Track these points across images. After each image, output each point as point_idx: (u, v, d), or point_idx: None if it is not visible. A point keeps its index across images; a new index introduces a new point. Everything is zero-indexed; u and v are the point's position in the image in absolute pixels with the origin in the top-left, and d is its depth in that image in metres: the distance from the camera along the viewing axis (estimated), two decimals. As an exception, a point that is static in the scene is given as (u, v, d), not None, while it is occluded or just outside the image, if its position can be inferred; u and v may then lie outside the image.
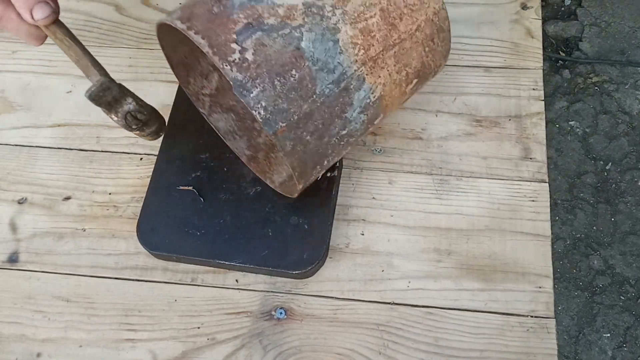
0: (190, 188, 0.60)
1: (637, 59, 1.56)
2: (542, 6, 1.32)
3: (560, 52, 1.59)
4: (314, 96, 0.47)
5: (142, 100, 0.54)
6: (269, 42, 0.47)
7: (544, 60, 0.72)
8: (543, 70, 0.69)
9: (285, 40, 0.47)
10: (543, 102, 0.67)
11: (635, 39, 1.59)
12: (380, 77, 0.50)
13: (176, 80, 0.68)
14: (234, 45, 0.46)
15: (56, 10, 0.50)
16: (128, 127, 0.53)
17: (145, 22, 0.74)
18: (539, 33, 0.71)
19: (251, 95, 0.45)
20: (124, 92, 0.52)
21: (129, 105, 0.52)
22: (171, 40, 0.58)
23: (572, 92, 1.53)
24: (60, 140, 0.67)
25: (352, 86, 0.49)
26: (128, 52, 0.72)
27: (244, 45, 0.46)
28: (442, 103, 0.67)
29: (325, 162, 0.53)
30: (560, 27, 1.62)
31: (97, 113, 0.69)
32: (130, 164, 0.65)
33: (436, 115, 0.67)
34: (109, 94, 0.51)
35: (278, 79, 0.46)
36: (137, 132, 0.55)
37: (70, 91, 0.70)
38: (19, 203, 0.64)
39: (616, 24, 1.61)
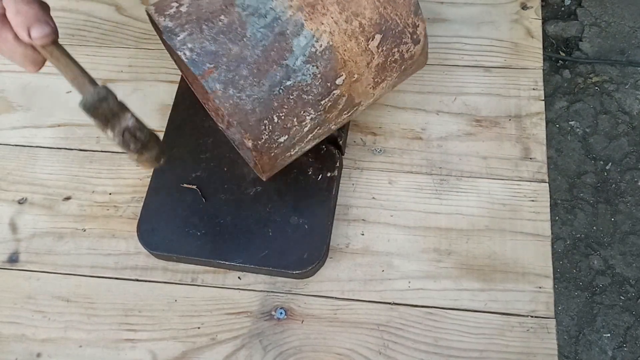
0: (194, 187, 0.60)
1: (637, 59, 1.56)
2: (542, 6, 1.32)
3: (560, 52, 1.59)
4: (244, 39, 0.47)
5: (142, 121, 0.49)
6: None
7: (544, 60, 0.72)
8: (543, 70, 0.69)
9: None
10: (543, 102, 0.67)
11: (635, 39, 1.59)
12: (323, 24, 0.49)
13: (176, 80, 0.69)
14: (173, 3, 0.49)
15: (55, 30, 0.47)
16: (125, 146, 0.47)
17: (145, 22, 0.74)
18: (539, 33, 0.71)
19: (178, 38, 0.47)
20: (123, 106, 0.47)
21: (127, 121, 0.47)
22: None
23: (572, 92, 1.53)
24: (60, 140, 0.67)
25: (288, 31, 0.48)
26: (128, 52, 0.72)
27: (181, 1, 0.49)
28: (442, 103, 0.67)
29: (275, 118, 0.49)
30: (560, 27, 1.62)
31: (97, 113, 0.69)
32: (130, 164, 0.65)
33: (436, 115, 0.67)
34: (106, 106, 0.46)
35: (206, 24, 0.47)
36: (135, 155, 0.49)
37: (70, 91, 0.70)
38: (19, 203, 0.64)
39: (616, 24, 1.61)
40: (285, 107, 0.49)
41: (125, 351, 0.57)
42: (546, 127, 0.88)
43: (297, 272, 0.57)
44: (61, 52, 0.48)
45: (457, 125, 0.66)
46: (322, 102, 0.51)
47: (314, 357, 0.56)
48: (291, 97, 0.49)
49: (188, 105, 0.65)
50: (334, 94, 0.51)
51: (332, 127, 0.56)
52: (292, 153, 0.54)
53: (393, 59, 0.54)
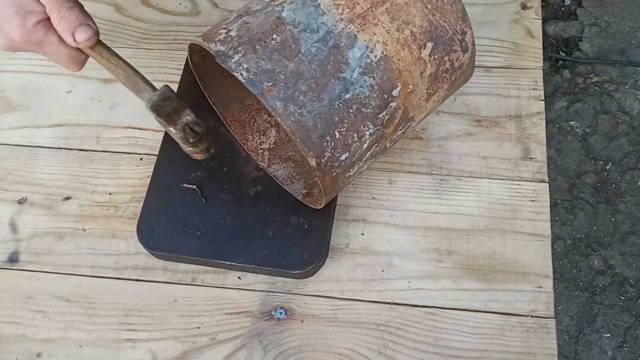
0: (194, 187, 0.60)
1: (637, 59, 1.56)
2: (542, 6, 1.32)
3: (560, 52, 1.59)
4: (300, 55, 0.47)
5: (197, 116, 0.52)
6: (252, 20, 0.48)
7: (544, 60, 0.72)
8: (543, 70, 0.69)
9: (266, 15, 0.48)
10: (543, 102, 0.67)
11: (635, 39, 1.59)
12: (375, 34, 0.49)
13: (176, 80, 0.69)
14: (221, 31, 0.49)
15: (97, 31, 0.50)
16: (185, 140, 0.50)
17: (145, 22, 0.74)
18: (539, 33, 0.71)
19: (233, 60, 0.46)
20: (182, 104, 0.50)
21: (187, 117, 0.49)
22: (222, 96, 0.61)
23: (572, 92, 1.53)
24: (60, 140, 0.67)
25: (342, 44, 0.48)
26: (128, 52, 0.72)
27: (230, 27, 0.48)
28: (442, 103, 0.67)
29: (337, 134, 0.48)
30: (560, 27, 1.62)
31: (97, 113, 0.69)
32: (130, 164, 0.65)
33: (436, 115, 0.67)
34: (169, 105, 0.49)
35: (259, 44, 0.47)
36: (192, 147, 0.51)
37: (70, 91, 0.70)
38: (19, 203, 0.64)
39: (616, 24, 1.61)
40: (346, 121, 0.49)
41: (125, 351, 0.57)
42: (546, 127, 0.88)
43: (297, 272, 0.57)
44: (110, 53, 0.51)
45: (457, 125, 0.66)
46: (380, 116, 0.50)
47: (314, 357, 0.56)
48: (351, 110, 0.49)
49: (188, 105, 0.65)
50: (391, 106, 0.51)
51: (388, 145, 0.55)
52: (352, 173, 0.53)
53: (444, 68, 0.53)
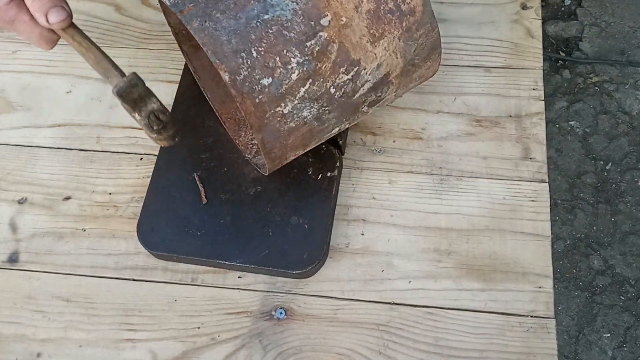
0: (201, 187, 0.60)
1: (637, 59, 1.56)
2: (542, 6, 1.32)
3: (560, 52, 1.59)
4: None
5: (163, 104, 0.51)
6: None
7: (544, 60, 0.72)
8: (543, 70, 0.69)
9: None
10: (543, 102, 0.67)
11: (635, 39, 1.59)
12: None
13: (176, 80, 0.69)
14: None
15: (70, 14, 0.50)
16: (149, 127, 0.50)
17: (145, 22, 0.74)
18: (539, 33, 0.71)
19: None
20: (149, 91, 0.50)
21: (153, 104, 0.49)
22: (219, 94, 0.61)
23: (572, 92, 1.53)
24: (60, 140, 0.67)
25: None
26: (128, 52, 0.72)
27: None
28: (442, 103, 0.67)
29: (254, 52, 0.47)
30: (560, 27, 1.62)
31: (97, 113, 0.69)
32: (130, 164, 0.65)
33: (436, 115, 0.67)
34: (136, 91, 0.49)
35: None
36: (156, 134, 0.51)
37: (70, 91, 0.70)
38: (19, 203, 0.64)
39: (616, 24, 1.61)
40: (265, 41, 0.48)
41: (125, 351, 0.57)
42: (546, 127, 0.88)
43: (297, 272, 0.57)
44: (82, 36, 0.51)
45: (457, 125, 0.66)
46: (308, 45, 0.49)
47: (314, 357, 0.56)
48: (270, 31, 0.48)
49: (188, 105, 0.65)
50: (320, 36, 0.49)
51: (332, 91, 0.51)
52: (286, 111, 0.50)
53: (387, 8, 0.51)
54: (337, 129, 0.56)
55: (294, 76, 0.49)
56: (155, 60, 0.72)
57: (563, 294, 1.31)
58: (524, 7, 0.73)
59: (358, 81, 0.52)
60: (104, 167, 0.66)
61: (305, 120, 0.52)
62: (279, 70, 0.48)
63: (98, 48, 0.51)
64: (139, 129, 0.68)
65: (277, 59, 0.48)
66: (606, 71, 1.55)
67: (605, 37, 1.59)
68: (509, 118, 0.66)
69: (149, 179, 0.62)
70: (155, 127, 0.50)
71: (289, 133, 0.51)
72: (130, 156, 0.66)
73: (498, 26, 0.72)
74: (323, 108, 0.52)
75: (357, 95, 0.53)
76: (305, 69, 0.49)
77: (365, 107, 0.56)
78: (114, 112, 0.69)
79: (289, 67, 0.48)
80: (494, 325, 0.56)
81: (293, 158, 0.56)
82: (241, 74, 0.47)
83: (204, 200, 0.60)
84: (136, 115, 0.49)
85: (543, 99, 0.67)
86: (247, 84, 0.47)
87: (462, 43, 0.71)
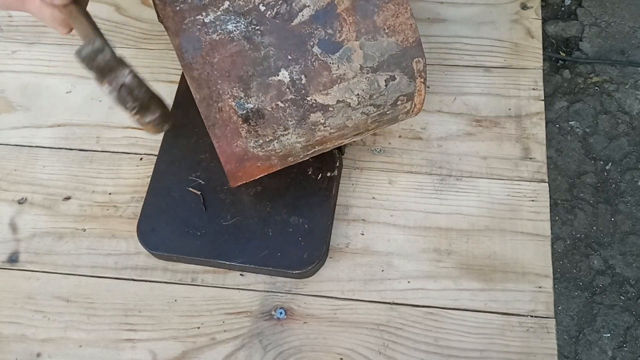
0: (199, 193, 0.60)
1: (637, 59, 1.56)
2: (542, 6, 1.32)
3: (560, 52, 1.59)
4: None
5: (144, 81, 0.48)
6: None
7: (544, 60, 0.72)
8: (543, 70, 0.69)
9: None
10: (543, 102, 0.67)
11: (635, 39, 1.59)
12: None
13: (176, 80, 0.69)
14: None
15: None
16: (122, 103, 0.47)
17: (145, 22, 0.74)
18: (539, 33, 0.71)
19: None
20: (122, 62, 0.47)
21: (124, 77, 0.46)
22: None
23: (572, 92, 1.53)
24: (60, 140, 0.67)
25: None
26: (128, 52, 0.72)
27: None
28: (442, 103, 0.67)
29: None
30: (560, 27, 1.62)
31: (97, 113, 0.69)
32: (130, 164, 0.65)
33: (436, 115, 0.67)
34: (102, 58, 0.46)
35: None
36: (136, 116, 0.48)
37: (70, 91, 0.70)
38: (19, 203, 0.64)
39: (616, 24, 1.61)
40: None
41: (125, 351, 0.57)
42: (546, 127, 0.88)
43: (297, 272, 0.57)
44: (80, 12, 0.50)
45: (457, 125, 0.66)
46: None
47: (314, 357, 0.56)
48: None
49: (188, 105, 0.65)
50: None
51: (261, 8, 0.48)
52: (207, 21, 0.47)
53: None
54: (286, 72, 0.48)
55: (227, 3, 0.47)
56: (155, 60, 0.72)
57: (563, 294, 1.31)
58: (524, 7, 0.73)
59: (293, 3, 0.48)
60: (103, 167, 0.66)
61: (231, 35, 0.47)
62: None
63: (93, 25, 0.50)
64: (139, 129, 0.67)
65: None
66: (606, 71, 1.55)
67: (605, 37, 1.59)
68: (509, 118, 0.66)
69: (149, 179, 0.62)
70: (129, 105, 0.47)
71: (212, 48, 0.47)
72: (130, 156, 0.66)
73: (498, 26, 0.72)
74: (253, 26, 0.48)
75: (295, 22, 0.48)
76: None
77: (316, 48, 0.48)
78: (114, 112, 0.69)
79: None
80: (494, 325, 0.56)
81: (231, 101, 0.49)
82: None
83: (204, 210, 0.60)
84: (106, 85, 0.46)
85: (543, 99, 0.67)
86: None
87: (462, 43, 0.71)
